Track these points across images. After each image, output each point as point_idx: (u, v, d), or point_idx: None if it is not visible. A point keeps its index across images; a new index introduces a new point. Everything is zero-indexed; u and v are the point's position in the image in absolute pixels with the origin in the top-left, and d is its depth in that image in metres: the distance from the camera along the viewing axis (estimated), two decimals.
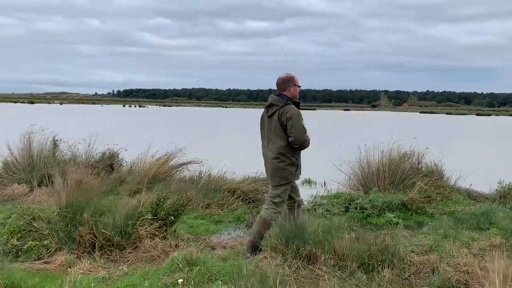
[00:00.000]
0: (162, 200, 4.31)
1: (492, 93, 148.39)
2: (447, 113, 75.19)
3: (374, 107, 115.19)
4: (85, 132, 8.21)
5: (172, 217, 4.28)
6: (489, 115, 72.17)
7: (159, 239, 4.17)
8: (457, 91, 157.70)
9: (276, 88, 4.26)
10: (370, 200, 6.24)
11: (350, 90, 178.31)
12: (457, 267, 3.74)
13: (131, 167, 7.54)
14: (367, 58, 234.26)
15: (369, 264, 3.73)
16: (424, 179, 7.26)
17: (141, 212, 4.19)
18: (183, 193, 5.34)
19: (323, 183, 8.64)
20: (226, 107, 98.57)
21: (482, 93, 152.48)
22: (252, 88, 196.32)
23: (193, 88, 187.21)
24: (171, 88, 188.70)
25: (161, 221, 4.25)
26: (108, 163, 7.52)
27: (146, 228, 4.17)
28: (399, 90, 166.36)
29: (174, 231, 4.34)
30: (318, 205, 6.44)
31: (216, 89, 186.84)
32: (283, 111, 4.06)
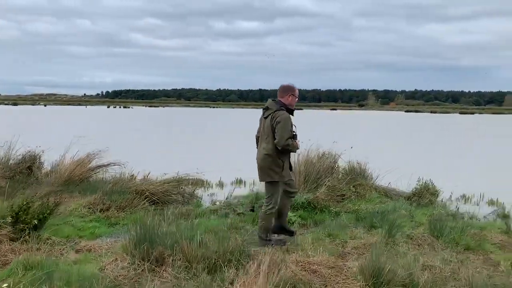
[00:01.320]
0: (26, 203, 4.25)
1: (479, 92, 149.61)
2: (432, 112, 75.66)
3: (361, 106, 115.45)
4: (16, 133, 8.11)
5: (35, 221, 4.23)
6: (472, 113, 72.76)
7: (19, 243, 4.12)
8: (445, 90, 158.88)
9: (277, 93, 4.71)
10: None
11: (340, 90, 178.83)
12: (298, 265, 3.76)
13: (50, 169, 7.47)
14: (358, 58, 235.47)
15: (215, 264, 3.73)
16: (340, 179, 7.34)
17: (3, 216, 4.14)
18: (55, 195, 5.28)
19: (253, 183, 8.64)
20: (214, 107, 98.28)
21: (469, 91, 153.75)
22: (243, 88, 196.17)
23: (182, 89, 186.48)
24: (161, 89, 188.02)
25: (23, 225, 4.20)
26: (27, 166, 7.43)
27: (5, 232, 4.12)
28: (388, 90, 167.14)
29: (39, 235, 4.29)
30: (228, 205, 6.44)
31: (206, 89, 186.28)
32: (274, 115, 4.49)
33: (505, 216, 6.40)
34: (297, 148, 4.73)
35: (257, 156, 4.66)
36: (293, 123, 4.60)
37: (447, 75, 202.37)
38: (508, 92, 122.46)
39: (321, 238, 4.91)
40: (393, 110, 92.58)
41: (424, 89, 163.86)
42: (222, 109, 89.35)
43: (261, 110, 4.77)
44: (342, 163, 7.77)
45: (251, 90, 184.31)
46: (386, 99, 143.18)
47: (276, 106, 4.57)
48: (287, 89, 4.67)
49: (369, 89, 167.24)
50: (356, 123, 39.83)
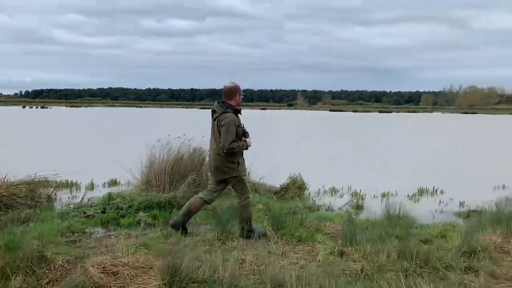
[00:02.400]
0: None
1: (399, 92, 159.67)
2: (354, 111, 79.30)
3: (290, 106, 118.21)
4: None
5: None
6: (390, 112, 77.33)
7: None
8: (369, 90, 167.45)
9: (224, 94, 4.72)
10: (131, 200, 6.00)
11: (271, 90, 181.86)
12: (99, 268, 3.55)
13: None
14: (289, 59, 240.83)
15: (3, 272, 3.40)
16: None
17: None
18: None
19: (128, 183, 8.29)
20: (142, 107, 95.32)
21: (390, 91, 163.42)
22: (174, 87, 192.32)
23: (110, 88, 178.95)
24: (86, 88, 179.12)
25: None
26: None
27: None
28: (316, 90, 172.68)
29: None
30: (79, 207, 6.06)
31: (135, 88, 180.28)
32: (220, 118, 4.60)
33: (358, 207, 6.66)
34: (248, 146, 4.75)
35: (209, 156, 4.79)
36: (241, 122, 4.70)
37: (371, 76, 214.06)
38: (424, 92, 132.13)
39: (156, 237, 4.75)
40: (319, 110, 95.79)
41: (349, 89, 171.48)
42: (150, 109, 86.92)
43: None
44: None
45: (183, 89, 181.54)
46: (314, 99, 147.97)
47: (221, 108, 4.64)
48: (233, 90, 4.73)
49: (299, 89, 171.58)
50: (270, 123, 40.44)
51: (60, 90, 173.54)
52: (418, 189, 8.10)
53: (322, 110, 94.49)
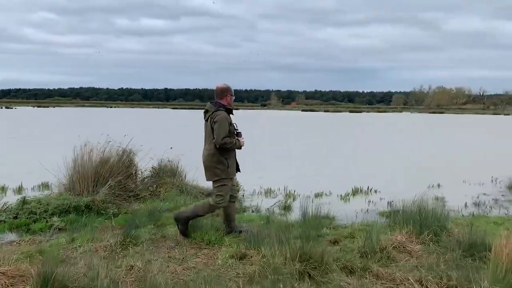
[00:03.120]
0: None
1: (372, 92, 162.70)
2: (325, 111, 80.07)
3: (264, 106, 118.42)
4: None
5: None
6: (360, 112, 78.46)
7: None
8: (342, 90, 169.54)
9: (215, 95, 4.89)
10: (47, 204, 5.80)
11: (245, 90, 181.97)
12: None
13: None
14: (263, 59, 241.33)
15: None
16: (142, 178, 7.14)
17: None
18: None
19: (54, 187, 8.03)
20: (111, 107, 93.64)
21: (363, 92, 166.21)
22: (147, 87, 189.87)
23: (81, 88, 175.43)
24: (57, 88, 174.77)
25: None
26: None
27: None
28: (291, 90, 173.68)
29: None
30: None
31: (107, 88, 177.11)
32: (213, 116, 4.71)
33: (285, 208, 6.65)
34: (241, 145, 4.86)
35: (202, 157, 4.84)
36: (233, 122, 4.83)
37: (344, 76, 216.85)
38: (396, 92, 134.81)
39: (59, 243, 4.60)
40: (292, 110, 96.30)
41: (323, 90, 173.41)
42: (120, 109, 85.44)
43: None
44: (153, 163, 7.61)
45: (156, 89, 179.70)
46: (289, 99, 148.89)
47: (214, 107, 4.77)
48: (225, 90, 4.87)
49: (273, 89, 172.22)
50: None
51: (29, 90, 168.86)
52: (352, 189, 8.16)
53: (295, 110, 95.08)
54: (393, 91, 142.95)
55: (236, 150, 4.94)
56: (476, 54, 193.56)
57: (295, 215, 6.20)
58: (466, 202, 7.21)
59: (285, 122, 40.56)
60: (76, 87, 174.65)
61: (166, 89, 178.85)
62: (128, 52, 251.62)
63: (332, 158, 14.02)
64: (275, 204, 6.66)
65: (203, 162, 4.84)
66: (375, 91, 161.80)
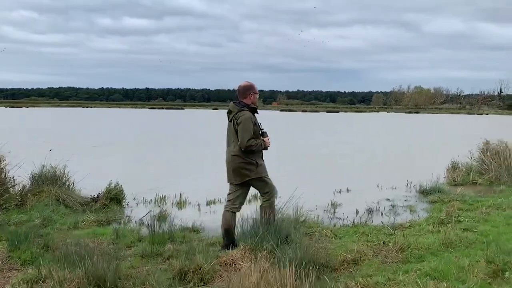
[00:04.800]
0: None
1: (353, 92, 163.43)
2: (303, 111, 80.00)
3: None
4: None
5: None
6: (337, 111, 78.54)
7: None
8: (324, 90, 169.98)
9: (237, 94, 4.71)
10: None
11: (229, 90, 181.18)
12: None
13: None
14: (247, 59, 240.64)
15: None
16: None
17: None
18: None
19: None
20: (87, 107, 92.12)
21: (345, 92, 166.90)
22: (128, 87, 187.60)
23: (60, 87, 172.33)
24: (35, 88, 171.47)
25: None
26: None
27: None
28: (273, 90, 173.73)
29: None
30: None
31: (88, 88, 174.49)
32: (236, 116, 4.55)
33: (159, 218, 6.22)
34: (267, 145, 4.66)
35: (226, 158, 4.67)
36: (257, 121, 4.63)
37: (326, 76, 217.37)
38: (377, 92, 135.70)
39: None
40: (271, 110, 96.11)
41: (305, 90, 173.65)
42: (97, 109, 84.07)
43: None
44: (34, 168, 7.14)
45: (137, 89, 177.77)
46: (271, 99, 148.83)
47: (237, 107, 4.60)
48: (248, 89, 4.66)
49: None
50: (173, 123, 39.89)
51: (6, 90, 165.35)
52: (253, 195, 7.78)
53: (275, 110, 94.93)
54: (374, 91, 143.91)
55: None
56: (456, 55, 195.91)
57: (163, 226, 5.79)
58: (357, 209, 6.89)
59: None
60: (55, 86, 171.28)
61: (147, 89, 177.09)
62: (111, 51, 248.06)
63: None
64: (147, 213, 6.23)
65: (228, 164, 4.64)
66: (356, 91, 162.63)
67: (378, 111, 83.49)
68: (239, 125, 4.47)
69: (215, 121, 40.67)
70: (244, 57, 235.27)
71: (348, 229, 5.61)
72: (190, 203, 7.35)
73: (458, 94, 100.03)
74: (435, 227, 5.43)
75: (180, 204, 7.29)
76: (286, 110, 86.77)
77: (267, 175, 4.73)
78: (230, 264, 4.22)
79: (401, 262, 4.31)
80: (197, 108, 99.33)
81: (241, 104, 4.62)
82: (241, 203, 4.76)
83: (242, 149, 4.49)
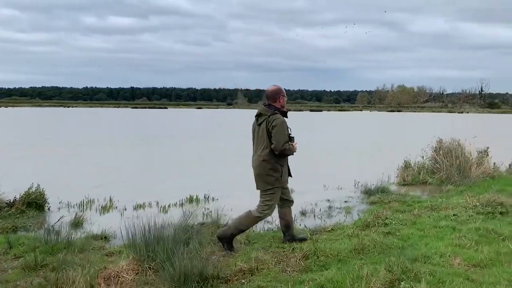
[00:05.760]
0: None
1: (339, 91, 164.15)
2: (287, 110, 79.70)
3: (230, 105, 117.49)
4: None
5: None
6: (321, 110, 78.53)
7: None
8: (310, 89, 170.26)
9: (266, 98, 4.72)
10: None
11: (214, 89, 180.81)
12: None
13: None
14: (233, 58, 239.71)
15: None
16: None
17: None
18: None
19: None
20: (69, 106, 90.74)
21: (330, 91, 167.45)
22: (113, 86, 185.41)
23: (43, 87, 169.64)
24: (17, 87, 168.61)
25: None
26: None
27: None
28: (260, 89, 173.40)
29: None
30: None
31: (71, 87, 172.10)
32: (270, 119, 4.47)
33: (76, 224, 5.84)
34: (295, 151, 4.62)
35: (252, 164, 4.62)
36: (287, 126, 4.53)
37: (313, 75, 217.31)
38: (361, 91, 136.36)
39: None
40: (257, 109, 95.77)
41: (292, 89, 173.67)
42: (79, 109, 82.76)
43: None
44: None
45: (122, 88, 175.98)
46: (257, 98, 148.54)
47: (270, 111, 4.54)
48: (277, 92, 4.63)
49: (243, 88, 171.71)
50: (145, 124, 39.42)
51: None
52: (187, 198, 7.44)
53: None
54: (359, 90, 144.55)
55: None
56: (439, 54, 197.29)
57: (64, 234, 5.38)
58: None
59: (222, 122, 39.81)
60: (38, 86, 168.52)
61: (132, 88, 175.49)
62: (95, 50, 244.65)
63: (203, 162, 13.31)
64: (59, 220, 5.80)
65: (255, 169, 4.59)
66: (341, 90, 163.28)
67: (361, 110, 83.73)
68: (274, 128, 4.42)
69: (184, 120, 40.36)
70: (231, 56, 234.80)
71: (266, 234, 5.28)
72: (116, 207, 6.94)
73: (441, 93, 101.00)
74: (356, 231, 5.12)
75: (105, 208, 6.87)
76: None
77: (286, 185, 4.76)
78: (114, 277, 3.86)
79: (301, 271, 3.99)
80: (181, 108, 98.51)
81: (273, 107, 4.58)
82: (289, 197, 4.84)
83: (276, 153, 4.45)
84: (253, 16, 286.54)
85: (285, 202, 4.78)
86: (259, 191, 4.71)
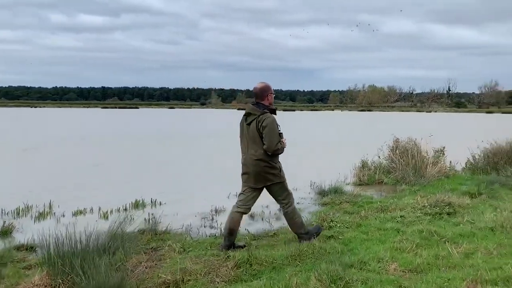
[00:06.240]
0: None
1: (312, 91, 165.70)
2: None
3: (203, 105, 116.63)
4: None
5: None
6: (293, 110, 78.82)
7: None
8: (284, 89, 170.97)
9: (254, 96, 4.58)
10: None
11: (188, 88, 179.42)
12: None
13: None
14: (206, 57, 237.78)
15: None
16: None
17: None
18: None
19: None
20: (35, 107, 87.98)
21: (304, 90, 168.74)
22: (83, 86, 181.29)
23: (10, 87, 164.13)
24: None
25: None
26: None
27: None
28: (234, 89, 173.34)
29: None
30: None
31: (40, 87, 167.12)
32: (260, 119, 4.37)
33: (4, 233, 5.44)
34: (285, 147, 4.54)
35: (245, 162, 4.53)
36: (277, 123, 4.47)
37: (287, 75, 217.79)
38: (334, 91, 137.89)
39: None
40: (230, 109, 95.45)
41: None
42: (48, 109, 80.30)
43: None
44: None
45: (93, 88, 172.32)
46: (231, 97, 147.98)
47: (259, 110, 4.44)
48: (265, 89, 4.52)
49: (217, 88, 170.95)
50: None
51: None
52: (133, 203, 7.09)
53: (233, 108, 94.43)
54: (332, 90, 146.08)
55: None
56: (409, 54, 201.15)
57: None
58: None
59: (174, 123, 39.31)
60: (4, 85, 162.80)
61: (103, 87, 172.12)
62: (65, 49, 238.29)
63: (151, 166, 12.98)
64: None
65: (250, 168, 4.47)
66: (315, 90, 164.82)
67: (333, 110, 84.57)
68: (265, 128, 4.34)
69: (150, 120, 39.58)
70: (203, 55, 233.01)
71: (204, 241, 5.00)
72: (54, 214, 6.53)
73: (410, 92, 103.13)
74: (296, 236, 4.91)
75: (42, 215, 6.44)
76: (243, 109, 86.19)
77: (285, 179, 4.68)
78: None
79: (231, 281, 3.75)
80: (153, 107, 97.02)
81: (262, 106, 4.46)
82: (251, 206, 4.70)
83: (269, 153, 4.38)
84: (225, 16, 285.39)
85: (249, 209, 4.69)
86: (236, 192, 4.78)
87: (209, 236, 5.32)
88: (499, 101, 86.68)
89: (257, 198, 4.71)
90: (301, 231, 4.67)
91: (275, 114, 4.57)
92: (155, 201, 7.24)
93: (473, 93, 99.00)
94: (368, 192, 8.06)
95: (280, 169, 4.55)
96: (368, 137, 22.16)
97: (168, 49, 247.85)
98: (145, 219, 6.04)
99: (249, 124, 4.47)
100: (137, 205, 7.06)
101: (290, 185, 8.58)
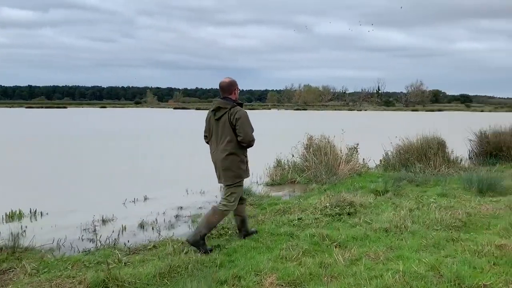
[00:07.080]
0: None
1: (251, 90, 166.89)
2: (196, 108, 78.52)
3: (138, 103, 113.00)
4: None
5: None
6: None
7: None
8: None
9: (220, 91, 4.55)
10: None
11: (122, 87, 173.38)
12: None
13: None
14: (142, 55, 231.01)
15: None
16: None
17: None
18: None
19: None
20: None
21: (243, 90, 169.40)
22: (8, 84, 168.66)
23: None
24: None
25: None
26: None
27: None
28: (171, 87, 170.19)
29: None
30: None
31: None
32: (232, 112, 4.36)
33: None
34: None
35: (215, 157, 4.48)
36: None
37: (225, 74, 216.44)
38: (271, 90, 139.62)
39: None
40: (165, 108, 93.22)
41: (204, 88, 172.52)
42: None
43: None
44: None
45: (18, 86, 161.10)
46: (168, 96, 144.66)
47: (229, 103, 4.42)
48: (232, 84, 4.53)
49: (153, 87, 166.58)
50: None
51: None
52: (8, 213, 6.17)
53: (169, 107, 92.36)
54: (270, 89, 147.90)
55: None
56: (342, 55, 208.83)
57: None
58: (126, 225, 5.62)
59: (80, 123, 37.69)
60: None
61: (30, 86, 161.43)
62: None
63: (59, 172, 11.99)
64: None
65: (220, 163, 4.41)
66: (254, 89, 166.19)
67: (270, 109, 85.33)
68: (239, 120, 4.31)
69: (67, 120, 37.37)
70: (139, 53, 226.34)
71: (68, 258, 4.28)
72: None
73: (343, 92, 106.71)
74: (181, 247, 4.38)
75: None
76: (180, 108, 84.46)
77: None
78: None
79: None
80: (83, 107, 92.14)
81: (230, 100, 4.45)
82: (237, 202, 4.59)
83: (244, 145, 4.37)
84: (163, 13, 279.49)
85: (240, 199, 4.62)
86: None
87: (80, 252, 4.61)
88: (424, 100, 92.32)
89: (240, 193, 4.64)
90: (204, 232, 4.37)
91: (242, 107, 4.55)
92: (35, 212, 6.36)
93: (400, 92, 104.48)
94: (280, 193, 7.74)
95: (247, 164, 4.54)
96: (289, 136, 22.24)
97: (103, 47, 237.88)
98: (11, 233, 5.19)
99: (218, 119, 4.41)
100: (12, 216, 6.15)
101: (199, 187, 8.25)
